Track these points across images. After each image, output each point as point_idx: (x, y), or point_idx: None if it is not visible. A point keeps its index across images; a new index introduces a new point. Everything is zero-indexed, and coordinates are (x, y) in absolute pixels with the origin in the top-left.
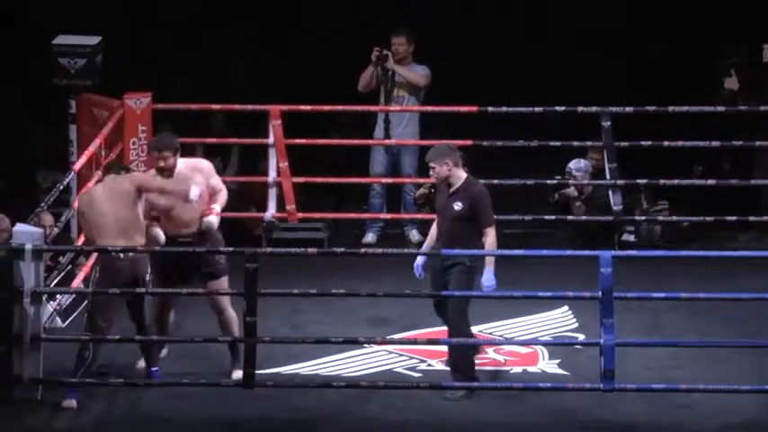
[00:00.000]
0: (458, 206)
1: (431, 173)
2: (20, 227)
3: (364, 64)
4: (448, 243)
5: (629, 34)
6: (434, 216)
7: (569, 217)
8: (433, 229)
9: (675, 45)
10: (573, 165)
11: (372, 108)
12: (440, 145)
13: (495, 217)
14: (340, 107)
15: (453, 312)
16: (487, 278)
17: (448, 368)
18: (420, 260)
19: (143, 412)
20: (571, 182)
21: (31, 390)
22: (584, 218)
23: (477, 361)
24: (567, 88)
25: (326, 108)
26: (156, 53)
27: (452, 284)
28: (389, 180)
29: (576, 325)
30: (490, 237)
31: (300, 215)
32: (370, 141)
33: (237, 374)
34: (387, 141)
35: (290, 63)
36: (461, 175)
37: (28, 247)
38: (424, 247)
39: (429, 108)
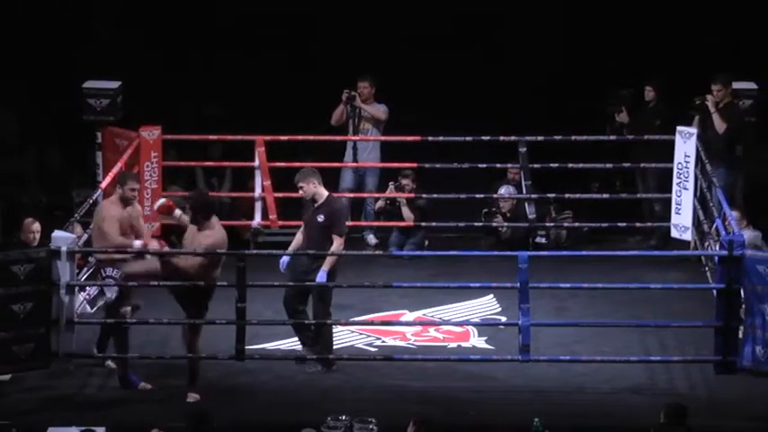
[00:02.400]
0: (320, 218)
1: (300, 191)
2: (57, 233)
3: (335, 103)
4: (312, 248)
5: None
6: (389, 223)
7: (494, 223)
8: (298, 236)
9: (578, 85)
10: (503, 190)
11: (338, 138)
12: (305, 168)
13: (434, 225)
14: (311, 137)
15: (318, 306)
16: (320, 275)
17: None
18: (285, 259)
19: (157, 380)
20: (502, 191)
21: (66, 363)
22: (505, 225)
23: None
24: (494, 121)
25: (300, 137)
26: (165, 95)
27: (316, 286)
28: (355, 195)
29: (500, 309)
30: (337, 242)
31: (281, 223)
32: (340, 164)
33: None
34: (353, 164)
35: (276, 101)
36: (324, 192)
37: (63, 249)
38: (290, 250)
39: (383, 138)
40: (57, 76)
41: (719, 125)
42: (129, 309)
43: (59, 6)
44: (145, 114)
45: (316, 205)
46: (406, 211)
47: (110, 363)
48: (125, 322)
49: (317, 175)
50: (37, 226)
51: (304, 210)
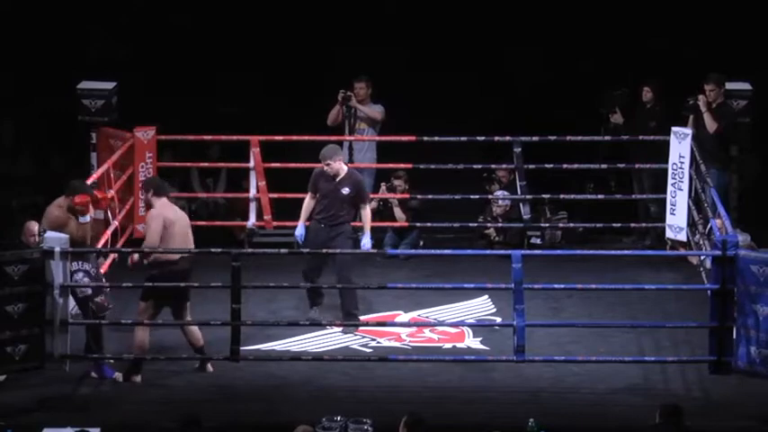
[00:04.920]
0: (346, 190)
1: (326, 168)
2: (50, 234)
3: (331, 104)
4: (336, 218)
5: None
6: (383, 224)
7: (489, 225)
8: (309, 203)
9: (575, 85)
10: (499, 193)
11: (334, 138)
12: (330, 144)
13: (429, 225)
14: (306, 137)
15: (345, 268)
16: (366, 240)
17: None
18: (301, 230)
19: (151, 381)
20: (496, 194)
21: (60, 364)
22: (499, 225)
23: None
24: (487, 122)
25: (295, 138)
26: (161, 95)
27: (340, 248)
28: None
29: (495, 310)
30: (368, 210)
31: (275, 223)
32: None
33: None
34: (349, 164)
35: (271, 102)
36: (344, 166)
37: (57, 249)
38: (302, 220)
39: (378, 138)
40: (53, 77)
41: (710, 125)
42: (103, 297)
43: (57, 8)
44: (140, 115)
45: (338, 179)
46: (398, 212)
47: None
48: (119, 323)
49: (341, 151)
50: (38, 228)
51: (319, 182)
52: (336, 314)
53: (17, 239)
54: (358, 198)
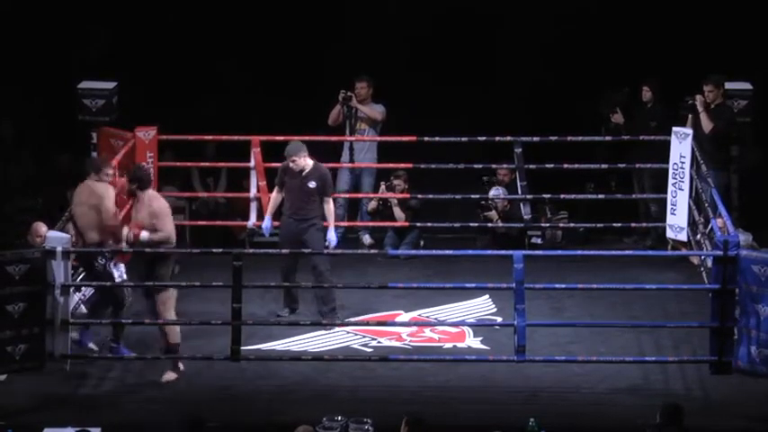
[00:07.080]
0: (312, 184)
1: (291, 164)
2: (52, 233)
3: (332, 104)
4: (302, 212)
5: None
6: (384, 224)
7: (489, 224)
8: (274, 200)
9: (575, 85)
10: (493, 192)
11: (334, 138)
12: (294, 141)
13: (430, 225)
14: (307, 137)
15: (323, 264)
16: (331, 235)
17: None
18: (267, 223)
19: (151, 380)
20: (492, 193)
21: (61, 363)
22: (500, 224)
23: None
24: (487, 123)
25: (296, 138)
26: (162, 95)
27: (312, 240)
28: (351, 195)
29: (495, 309)
30: (331, 204)
31: (276, 223)
32: (336, 164)
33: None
34: (349, 164)
35: (271, 102)
36: (310, 162)
37: (58, 249)
38: (269, 213)
39: (379, 138)
40: (54, 77)
41: (706, 125)
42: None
43: (57, 8)
44: (141, 115)
45: (304, 173)
46: (397, 212)
47: (92, 345)
48: (119, 322)
49: (305, 147)
50: (45, 229)
51: (285, 177)
52: (338, 313)
53: (17, 240)
54: (323, 191)
